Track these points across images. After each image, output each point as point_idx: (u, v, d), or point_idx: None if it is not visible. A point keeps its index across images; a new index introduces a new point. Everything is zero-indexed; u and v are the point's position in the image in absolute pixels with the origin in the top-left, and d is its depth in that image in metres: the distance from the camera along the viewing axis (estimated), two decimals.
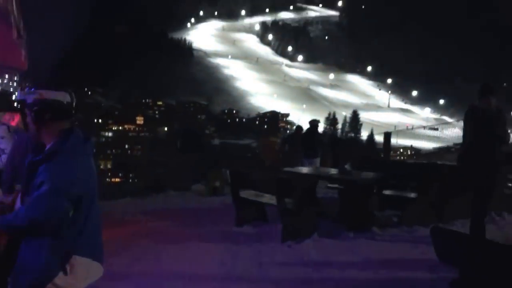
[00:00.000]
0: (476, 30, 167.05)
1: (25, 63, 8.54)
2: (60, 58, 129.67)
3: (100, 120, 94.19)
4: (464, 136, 5.78)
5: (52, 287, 2.23)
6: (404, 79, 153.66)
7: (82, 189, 2.26)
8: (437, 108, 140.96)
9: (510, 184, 7.48)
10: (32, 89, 2.39)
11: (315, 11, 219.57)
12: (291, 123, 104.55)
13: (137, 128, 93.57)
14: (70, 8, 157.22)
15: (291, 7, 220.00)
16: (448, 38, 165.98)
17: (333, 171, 7.52)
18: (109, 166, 61.41)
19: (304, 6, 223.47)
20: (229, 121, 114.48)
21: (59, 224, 2.21)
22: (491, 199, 5.43)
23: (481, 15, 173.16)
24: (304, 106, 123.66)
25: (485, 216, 5.40)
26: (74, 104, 2.51)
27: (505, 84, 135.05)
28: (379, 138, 20.03)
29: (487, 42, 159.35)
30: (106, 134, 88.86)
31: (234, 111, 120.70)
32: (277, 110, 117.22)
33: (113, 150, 72.36)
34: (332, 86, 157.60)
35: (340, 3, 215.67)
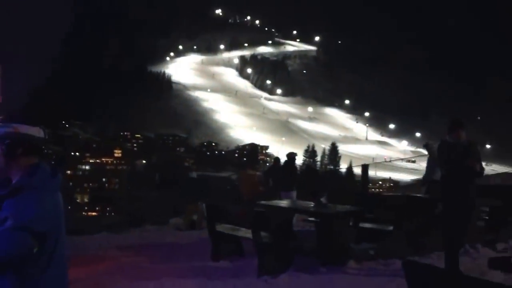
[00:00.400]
0: (450, 65, 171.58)
1: None
2: (37, 90, 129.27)
3: (77, 153, 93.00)
4: (427, 171, 6.43)
5: None
6: (381, 112, 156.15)
7: (48, 226, 2.19)
8: (413, 141, 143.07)
9: (484, 217, 7.55)
10: (5, 122, 2.36)
11: (293, 46, 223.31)
12: (271, 156, 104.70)
13: (115, 161, 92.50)
14: (48, 40, 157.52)
15: (269, 42, 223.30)
16: (424, 73, 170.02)
17: (310, 204, 7.52)
18: (86, 199, 60.50)
19: (282, 41, 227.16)
20: (208, 153, 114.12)
21: (22, 262, 2.13)
22: (466, 232, 5.46)
23: (455, 51, 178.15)
24: (283, 138, 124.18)
25: (459, 248, 5.43)
26: (45, 140, 2.45)
27: (479, 117, 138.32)
28: (358, 170, 20.20)
29: (462, 77, 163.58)
30: (83, 167, 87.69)
31: (213, 144, 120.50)
32: (257, 142, 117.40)
33: (90, 184, 71.39)
34: (311, 119, 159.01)
35: (317, 38, 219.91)
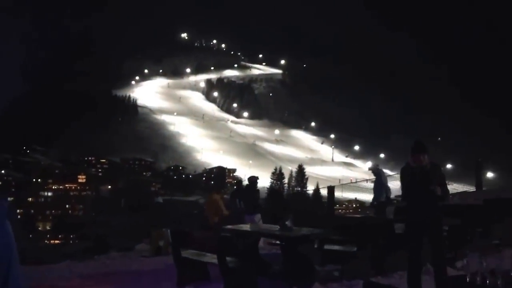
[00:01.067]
0: (412, 87, 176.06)
1: None
2: None
3: (39, 180, 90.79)
4: (374, 194, 5.93)
5: None
6: (347, 134, 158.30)
7: None
8: (378, 162, 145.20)
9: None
10: None
11: (259, 69, 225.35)
12: (238, 179, 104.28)
13: (79, 187, 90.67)
14: (9, 65, 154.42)
15: (236, 65, 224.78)
16: (387, 95, 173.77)
17: (275, 227, 7.54)
18: (48, 227, 58.90)
19: (248, 64, 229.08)
20: (175, 177, 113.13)
21: None
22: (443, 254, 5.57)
23: (418, 73, 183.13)
24: (251, 161, 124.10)
25: (421, 269, 5.52)
26: None
27: (439, 138, 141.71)
28: (325, 192, 20.33)
29: (423, 99, 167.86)
30: (46, 193, 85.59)
31: (181, 167, 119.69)
32: (224, 165, 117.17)
33: (53, 211, 69.65)
34: (278, 141, 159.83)
35: (282, 62, 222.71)
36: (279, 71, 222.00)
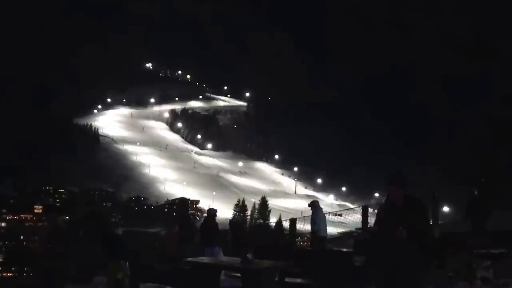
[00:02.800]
0: (375, 120, 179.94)
1: None
2: None
3: None
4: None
5: None
6: (309, 166, 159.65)
7: None
8: (340, 195, 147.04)
9: None
10: None
11: (223, 101, 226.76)
12: (202, 210, 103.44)
13: (34, 218, 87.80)
14: None
15: (200, 97, 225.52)
16: (349, 130, 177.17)
17: (236, 260, 7.50)
18: (0, 259, 56.66)
19: (213, 96, 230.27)
20: (136, 208, 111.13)
21: None
22: None
23: (384, 105, 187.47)
24: (214, 193, 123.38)
25: None
26: None
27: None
28: (287, 224, 20.38)
29: (386, 132, 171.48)
30: None
31: (142, 198, 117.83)
32: (187, 196, 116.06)
33: (6, 242, 67.10)
34: (241, 173, 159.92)
35: (247, 94, 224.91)
36: (244, 103, 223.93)
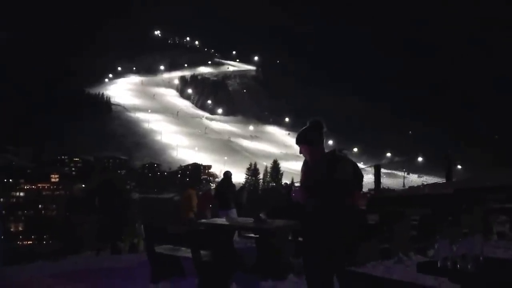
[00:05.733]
0: (384, 79, 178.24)
1: None
2: None
3: (10, 180, 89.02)
4: None
5: None
6: None
7: None
8: (351, 156, 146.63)
9: (414, 222, 7.79)
10: None
11: (232, 66, 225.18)
12: (214, 175, 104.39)
13: (51, 187, 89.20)
14: None
15: (209, 62, 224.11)
16: (360, 89, 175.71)
17: (249, 220, 7.53)
18: (20, 228, 57.86)
19: (222, 61, 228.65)
20: (150, 175, 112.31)
21: None
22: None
23: (389, 65, 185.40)
24: (226, 158, 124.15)
25: None
26: None
27: (410, 132, 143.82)
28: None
29: (395, 91, 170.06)
30: (17, 194, 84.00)
31: (155, 165, 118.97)
32: (199, 162, 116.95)
33: (25, 211, 68.35)
34: (252, 137, 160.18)
35: (256, 58, 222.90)
36: (253, 68, 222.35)
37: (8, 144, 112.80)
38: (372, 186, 12.71)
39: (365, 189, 12.61)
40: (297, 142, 4.37)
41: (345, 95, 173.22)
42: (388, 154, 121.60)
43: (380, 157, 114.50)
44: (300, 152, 4.40)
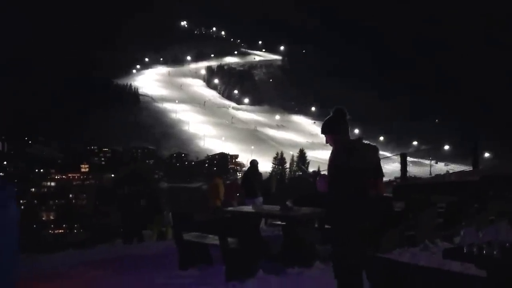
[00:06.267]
0: (411, 68, 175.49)
1: None
2: None
3: (41, 170, 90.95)
4: None
5: None
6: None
7: None
8: (378, 145, 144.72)
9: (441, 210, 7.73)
10: None
11: (259, 56, 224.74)
12: (241, 164, 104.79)
13: (81, 177, 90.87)
14: (9, 56, 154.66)
15: (236, 52, 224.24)
16: (386, 77, 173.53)
17: (276, 208, 7.59)
18: (51, 217, 59.04)
19: (248, 51, 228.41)
20: (178, 164, 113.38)
21: None
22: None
23: (416, 54, 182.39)
24: (252, 147, 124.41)
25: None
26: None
27: (437, 120, 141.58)
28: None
29: (421, 79, 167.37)
30: (48, 183, 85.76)
31: (183, 155, 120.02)
32: (226, 152, 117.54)
33: (56, 200, 69.68)
34: (279, 127, 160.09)
35: (282, 48, 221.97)
36: (279, 57, 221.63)
37: (39, 135, 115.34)
38: (399, 174, 12.62)
39: (391, 178, 12.50)
40: (322, 132, 4.44)
41: (371, 84, 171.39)
42: (415, 143, 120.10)
43: (407, 145, 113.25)
44: (326, 142, 4.46)
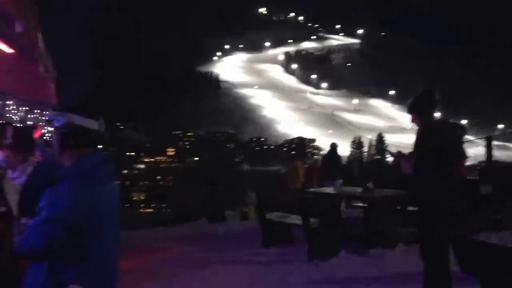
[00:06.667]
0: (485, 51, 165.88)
1: (54, 97, 8.85)
2: (92, 94, 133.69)
3: (132, 153, 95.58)
4: None
5: None
6: None
7: (81, 218, 2.15)
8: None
9: None
10: (62, 112, 2.36)
11: (336, 40, 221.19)
12: (318, 148, 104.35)
13: (168, 159, 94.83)
14: (101, 46, 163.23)
15: (313, 37, 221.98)
16: (470, 58, 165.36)
17: (357, 189, 7.61)
18: (142, 197, 61.64)
19: (326, 35, 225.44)
20: (257, 148, 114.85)
21: (54, 252, 2.14)
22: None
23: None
24: (330, 131, 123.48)
25: None
26: (101, 133, 2.45)
27: None
28: None
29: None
30: (138, 166, 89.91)
31: (262, 139, 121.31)
32: (304, 136, 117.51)
33: (146, 182, 72.71)
34: (356, 111, 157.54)
35: (360, 31, 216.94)
36: (357, 41, 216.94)
37: (128, 120, 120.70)
38: (482, 158, 12.13)
39: (475, 162, 12.08)
40: (409, 111, 4.43)
41: (453, 66, 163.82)
42: (501, 126, 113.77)
43: (492, 129, 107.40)
44: (412, 121, 4.43)
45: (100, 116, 2.46)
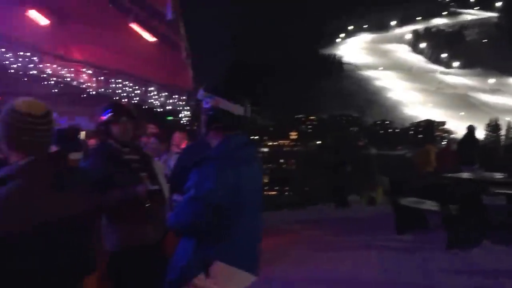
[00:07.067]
0: None
1: (191, 83, 9.25)
2: (221, 80, 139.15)
3: (256, 137, 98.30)
4: None
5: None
6: None
7: (225, 198, 2.24)
8: None
9: None
10: (211, 94, 2.47)
11: (471, 14, 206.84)
12: (448, 132, 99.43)
13: (291, 143, 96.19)
14: (229, 35, 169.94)
15: (444, 13, 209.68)
16: None
17: (499, 175, 7.06)
18: (266, 180, 63.19)
19: (459, 10, 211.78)
20: (381, 132, 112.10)
21: (200, 230, 2.29)
22: None
23: None
24: (462, 113, 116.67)
25: None
26: (246, 118, 2.54)
27: None
28: None
29: None
30: (263, 149, 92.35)
31: (387, 122, 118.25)
32: (432, 118, 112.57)
33: (270, 165, 74.48)
34: (493, 91, 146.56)
35: (498, 4, 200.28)
36: (495, 14, 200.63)
37: (253, 105, 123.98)
38: None
39: None
40: None
41: None
42: None
43: None
44: None
45: (246, 101, 2.57)
